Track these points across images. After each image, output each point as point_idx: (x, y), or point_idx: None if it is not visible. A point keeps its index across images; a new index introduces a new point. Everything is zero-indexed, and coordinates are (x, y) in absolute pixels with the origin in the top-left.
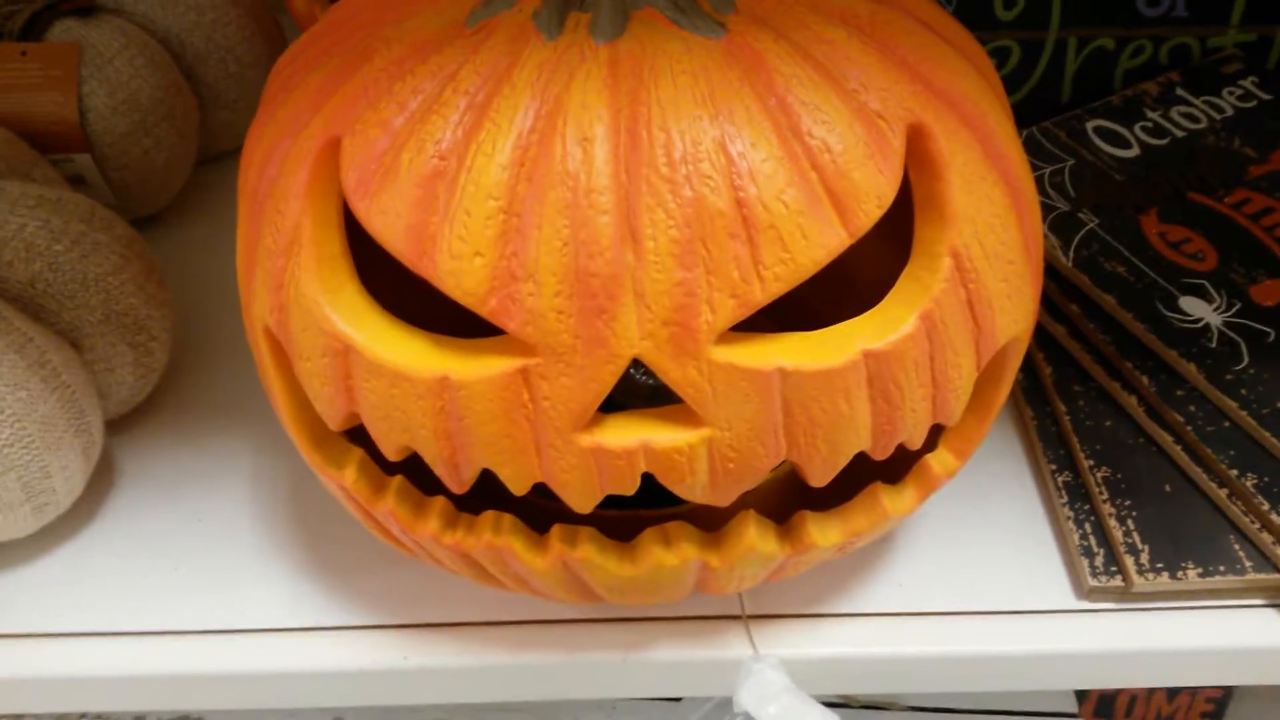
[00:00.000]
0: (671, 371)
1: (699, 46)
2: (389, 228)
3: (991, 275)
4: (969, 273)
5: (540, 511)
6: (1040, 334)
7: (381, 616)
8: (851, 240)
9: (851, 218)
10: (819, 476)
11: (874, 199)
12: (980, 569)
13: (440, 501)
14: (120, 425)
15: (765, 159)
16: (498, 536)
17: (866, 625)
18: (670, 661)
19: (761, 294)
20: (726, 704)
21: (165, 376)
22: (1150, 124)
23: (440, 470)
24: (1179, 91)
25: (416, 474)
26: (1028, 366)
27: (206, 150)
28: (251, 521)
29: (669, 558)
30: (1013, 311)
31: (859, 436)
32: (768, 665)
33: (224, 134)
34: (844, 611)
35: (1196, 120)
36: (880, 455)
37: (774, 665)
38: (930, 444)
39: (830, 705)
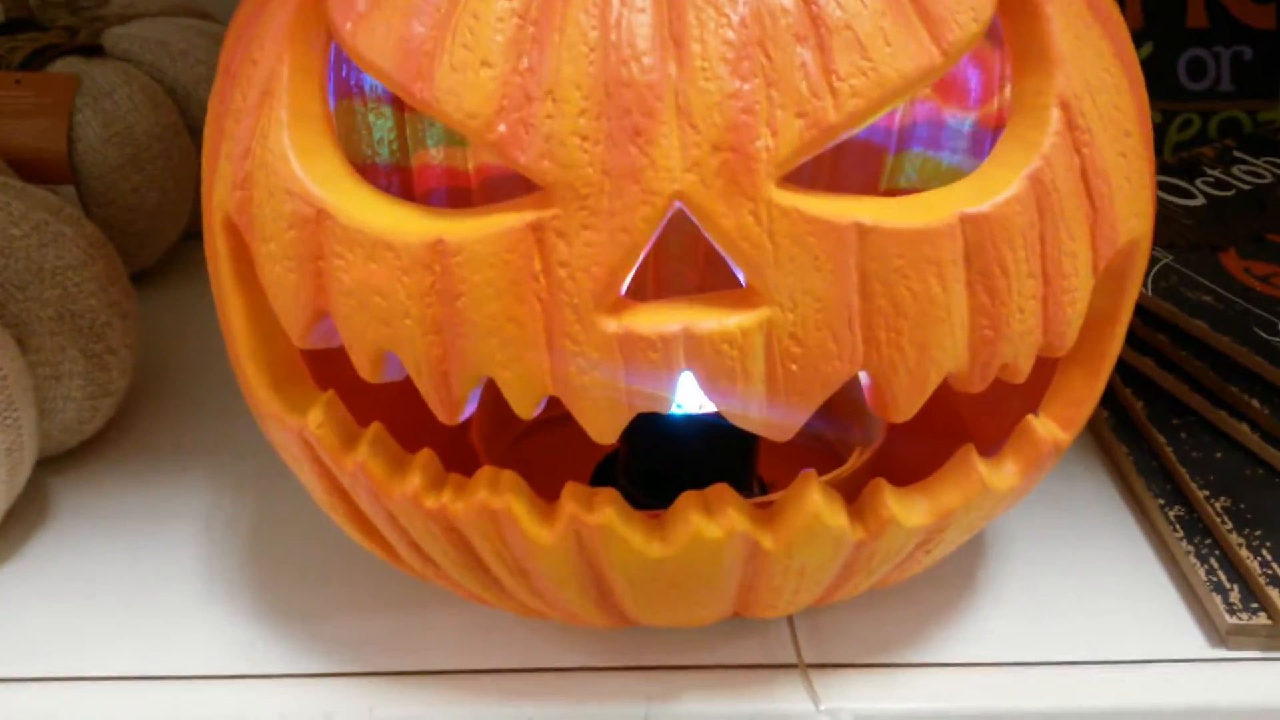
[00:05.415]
0: (723, 218)
1: None
2: (376, 45)
3: (1108, 143)
4: (1082, 132)
5: None
6: (1124, 368)
7: (344, 664)
8: (945, 61)
9: (943, 30)
10: (903, 400)
11: (969, 10)
12: (1086, 615)
13: (425, 454)
14: (61, 464)
15: None
16: (495, 496)
17: (952, 677)
18: (706, 715)
19: (835, 113)
20: None
21: (118, 423)
22: (1211, 179)
23: (426, 384)
24: (1236, 153)
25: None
26: (1112, 401)
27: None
28: (200, 564)
29: (710, 529)
30: (1133, 199)
31: (954, 340)
32: None
33: None
34: (923, 661)
35: (1261, 176)
36: (977, 382)
37: None
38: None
39: None
